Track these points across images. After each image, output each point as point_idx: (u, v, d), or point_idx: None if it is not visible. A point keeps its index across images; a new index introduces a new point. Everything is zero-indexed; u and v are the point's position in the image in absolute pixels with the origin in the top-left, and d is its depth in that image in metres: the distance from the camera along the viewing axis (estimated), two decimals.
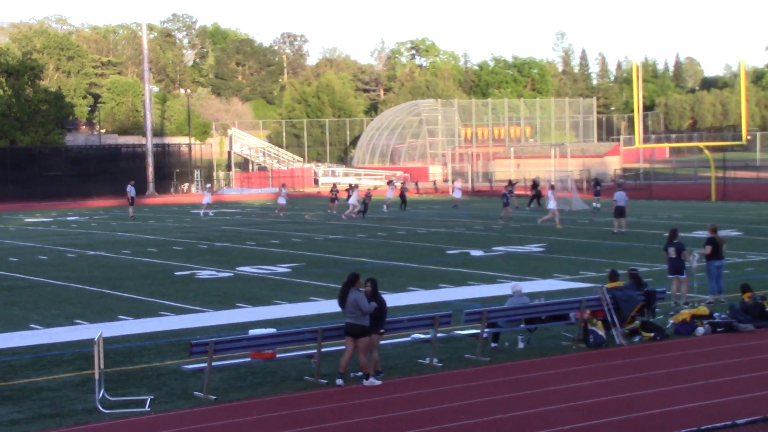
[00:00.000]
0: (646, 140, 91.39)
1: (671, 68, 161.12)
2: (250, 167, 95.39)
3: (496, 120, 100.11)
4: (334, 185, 55.62)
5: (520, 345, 16.72)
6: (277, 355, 14.76)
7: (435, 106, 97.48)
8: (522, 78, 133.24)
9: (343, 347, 15.66)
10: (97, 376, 13.22)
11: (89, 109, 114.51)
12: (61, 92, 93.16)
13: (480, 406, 12.79)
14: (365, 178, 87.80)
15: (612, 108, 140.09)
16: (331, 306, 20.81)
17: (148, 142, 79.38)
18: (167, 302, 21.89)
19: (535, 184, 53.18)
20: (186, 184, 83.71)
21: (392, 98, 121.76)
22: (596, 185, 51.22)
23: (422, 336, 16.38)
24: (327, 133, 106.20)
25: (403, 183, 58.45)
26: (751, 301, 18.05)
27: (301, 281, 24.92)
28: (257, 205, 64.79)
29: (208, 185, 63.52)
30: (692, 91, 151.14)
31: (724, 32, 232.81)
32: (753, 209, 47.84)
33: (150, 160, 78.87)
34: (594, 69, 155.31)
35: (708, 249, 20.35)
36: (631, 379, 14.19)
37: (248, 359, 14.75)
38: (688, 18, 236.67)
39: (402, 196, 53.50)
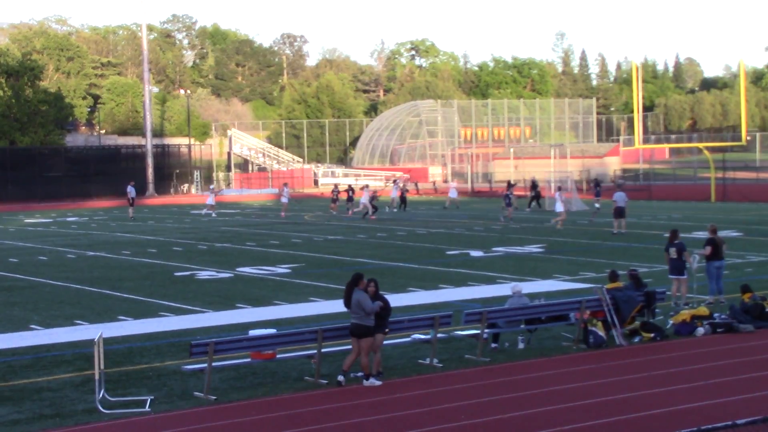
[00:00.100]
0: (645, 141, 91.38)
1: (671, 69, 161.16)
2: (250, 168, 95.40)
3: (496, 121, 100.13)
4: (336, 186, 55.63)
5: (520, 345, 16.73)
6: (277, 356, 14.76)
7: (435, 106, 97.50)
8: (522, 78, 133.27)
9: (343, 348, 15.69)
10: (97, 377, 13.23)
11: (89, 109, 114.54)
12: (61, 93, 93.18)
13: (480, 407, 12.79)
14: (365, 179, 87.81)
15: (612, 108, 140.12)
16: (331, 306, 20.84)
17: (148, 142, 79.38)
18: (167, 303, 21.89)
19: (534, 185, 53.18)
20: (186, 185, 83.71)
21: (392, 99, 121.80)
22: (596, 186, 51.27)
23: (422, 336, 16.38)
24: (327, 134, 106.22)
25: (403, 184, 58.43)
26: (751, 302, 18.05)
27: (301, 282, 24.93)
28: (257, 205, 64.79)
29: (212, 186, 63.61)
30: (692, 91, 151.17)
31: (724, 33, 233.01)
32: (753, 210, 47.85)
33: (150, 161, 78.86)
34: (594, 69, 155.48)
35: (708, 250, 20.36)
36: (631, 379, 14.19)
37: (248, 360, 14.76)
38: (688, 18, 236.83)
39: (402, 196, 53.53)
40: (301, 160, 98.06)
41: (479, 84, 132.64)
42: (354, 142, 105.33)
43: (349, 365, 14.27)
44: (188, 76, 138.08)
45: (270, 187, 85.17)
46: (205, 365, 13.74)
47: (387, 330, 14.70)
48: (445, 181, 73.31)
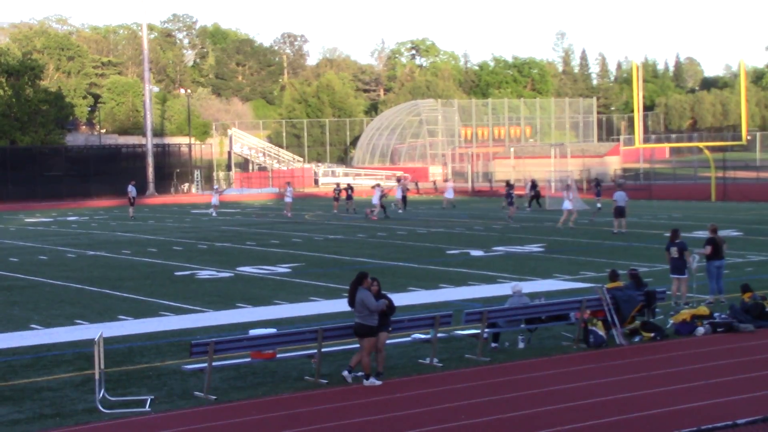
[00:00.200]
0: (646, 140, 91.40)
1: (671, 68, 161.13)
2: (250, 167, 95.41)
3: (496, 120, 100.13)
4: (338, 185, 55.62)
5: (521, 345, 16.73)
6: (278, 355, 14.77)
7: (435, 106, 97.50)
8: (522, 78, 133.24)
9: (343, 347, 15.72)
10: (97, 376, 13.23)
11: (89, 109, 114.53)
12: (62, 92, 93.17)
13: (480, 406, 12.80)
14: (365, 179, 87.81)
15: (612, 108, 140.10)
16: (332, 306, 20.85)
17: (148, 142, 79.38)
18: (167, 302, 21.90)
19: (533, 185, 53.19)
20: (186, 185, 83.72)
21: (392, 98, 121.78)
22: (597, 185, 51.26)
23: (422, 336, 16.38)
24: (327, 133, 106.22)
25: (403, 183, 58.40)
26: (751, 301, 18.05)
27: (301, 281, 24.93)
28: (257, 205, 64.79)
29: (216, 186, 63.63)
30: (692, 91, 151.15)
31: (724, 32, 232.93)
32: (753, 209, 47.85)
33: (150, 161, 78.86)
34: (594, 69, 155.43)
35: (708, 249, 20.36)
36: (631, 379, 14.19)
37: (248, 359, 14.76)
38: (688, 18, 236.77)
39: (403, 196, 53.52)
40: (301, 159, 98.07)
41: (479, 83, 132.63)
42: (354, 142, 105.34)
43: (356, 362, 14.29)
44: (188, 75, 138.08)
45: (270, 187, 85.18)
46: (206, 365, 13.74)
47: (390, 329, 14.72)
48: (446, 180, 73.27)
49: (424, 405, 12.94)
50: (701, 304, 18.92)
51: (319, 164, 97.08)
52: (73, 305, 21.86)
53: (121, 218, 52.18)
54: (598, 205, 47.63)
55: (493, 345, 16.47)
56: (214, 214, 52.21)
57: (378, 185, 51.09)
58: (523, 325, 16.81)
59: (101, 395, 13.33)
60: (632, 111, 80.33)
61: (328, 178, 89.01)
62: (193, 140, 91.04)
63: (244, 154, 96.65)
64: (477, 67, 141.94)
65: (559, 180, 59.72)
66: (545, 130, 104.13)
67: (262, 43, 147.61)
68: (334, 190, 53.53)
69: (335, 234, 38.69)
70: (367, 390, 13.85)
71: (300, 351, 15.20)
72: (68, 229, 45.67)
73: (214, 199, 54.16)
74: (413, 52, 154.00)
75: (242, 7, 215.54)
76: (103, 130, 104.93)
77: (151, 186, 78.34)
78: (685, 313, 17.68)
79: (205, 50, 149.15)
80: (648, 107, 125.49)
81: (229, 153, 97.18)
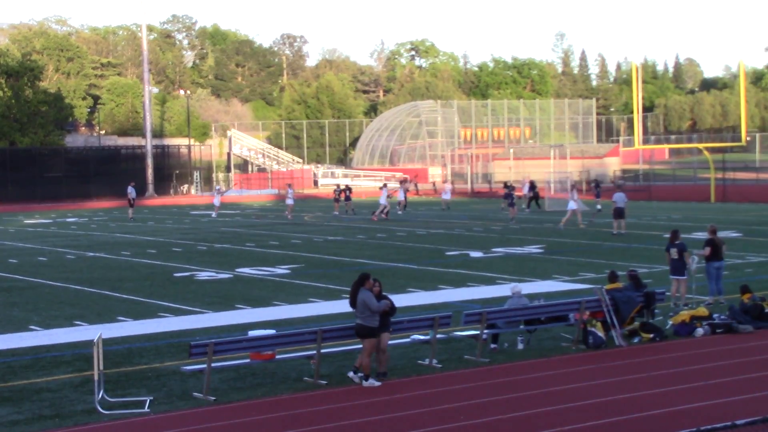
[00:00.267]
0: (645, 141, 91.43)
1: (671, 69, 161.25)
2: (250, 168, 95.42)
3: (496, 121, 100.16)
4: (338, 186, 55.54)
5: (520, 346, 16.73)
6: (277, 356, 14.77)
7: (434, 107, 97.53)
8: (521, 79, 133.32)
9: (343, 348, 15.71)
10: (96, 377, 13.23)
11: (89, 110, 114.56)
12: (61, 93, 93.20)
13: (479, 407, 12.80)
14: (365, 180, 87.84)
15: (611, 109, 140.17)
16: (331, 307, 20.85)
17: (148, 143, 79.38)
18: (167, 303, 21.89)
19: (532, 186, 53.19)
20: (185, 186, 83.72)
21: (392, 99, 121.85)
22: (596, 187, 51.26)
23: (422, 337, 16.38)
24: (326, 135, 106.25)
25: (405, 185, 58.41)
26: (750, 303, 18.05)
27: (300, 282, 24.92)
28: (257, 206, 64.79)
29: (218, 187, 63.67)
30: (692, 92, 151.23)
31: (723, 33, 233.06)
32: (752, 210, 47.86)
33: (149, 162, 78.87)
34: (593, 70, 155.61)
35: (707, 250, 20.36)
36: (631, 380, 14.19)
37: (248, 360, 14.76)
38: (687, 19, 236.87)
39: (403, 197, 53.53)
40: (300, 160, 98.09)
41: (479, 84, 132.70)
42: (354, 143, 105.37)
43: (361, 363, 14.29)
44: (188, 76, 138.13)
45: (270, 188, 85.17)
46: (205, 366, 13.74)
47: (391, 329, 14.73)
48: (444, 182, 73.33)
49: (424, 406, 12.94)
50: (700, 305, 18.92)
51: (319, 165, 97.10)
52: (73, 306, 21.85)
53: (120, 219, 52.17)
54: (598, 206, 47.65)
55: (493, 346, 16.47)
56: (214, 215, 52.20)
57: (385, 185, 51.15)
58: (522, 326, 16.80)
59: (100, 396, 13.32)
60: (632, 112, 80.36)
61: (328, 179, 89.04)
62: (192, 141, 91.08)
63: (243, 155, 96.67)
64: (476, 68, 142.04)
65: (559, 181, 59.77)
66: (545, 131, 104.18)
67: (261, 44, 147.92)
68: (335, 191, 53.51)
69: (335, 235, 38.69)
70: (367, 391, 13.85)
71: (299, 352, 15.20)
72: (68, 230, 45.66)
73: (216, 200, 54.21)
74: (413, 53, 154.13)
75: (242, 8, 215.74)
76: (103, 132, 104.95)
77: (151, 187, 78.33)
78: (685, 314, 17.68)
79: (205, 51, 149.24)
80: (647, 108, 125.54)
81: (229, 154, 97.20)
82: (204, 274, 26.99)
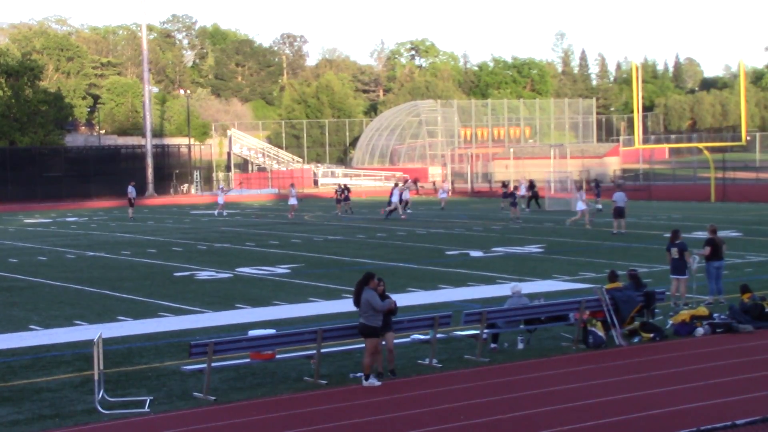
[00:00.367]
0: (645, 141, 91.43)
1: (671, 69, 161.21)
2: (250, 168, 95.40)
3: (496, 121, 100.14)
4: (339, 185, 55.38)
5: (520, 346, 16.73)
6: (277, 356, 14.76)
7: (434, 106, 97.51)
8: (521, 78, 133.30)
9: (343, 348, 15.72)
10: (96, 377, 13.23)
11: (89, 109, 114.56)
12: (61, 93, 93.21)
13: (479, 407, 12.80)
14: (365, 179, 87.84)
15: (611, 109, 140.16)
16: (331, 307, 20.86)
17: (148, 142, 79.38)
18: (167, 303, 21.89)
19: (531, 185, 53.17)
20: (185, 185, 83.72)
21: (392, 99, 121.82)
22: (596, 186, 51.25)
23: (422, 337, 16.38)
24: (326, 134, 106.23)
25: (409, 185, 58.35)
26: (750, 302, 18.05)
27: (300, 282, 24.92)
28: (257, 205, 64.79)
29: (221, 186, 63.75)
30: (692, 91, 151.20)
31: (723, 33, 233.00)
32: (752, 210, 47.86)
33: (149, 161, 78.87)
34: (593, 69, 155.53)
35: (707, 250, 20.36)
36: (631, 379, 14.19)
37: (248, 360, 14.76)
38: (687, 18, 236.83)
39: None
40: (300, 160, 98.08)
41: (479, 84, 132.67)
42: (354, 142, 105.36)
43: (380, 363, 14.32)
44: (188, 76, 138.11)
45: (270, 188, 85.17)
46: (205, 365, 13.74)
47: (393, 328, 14.76)
48: (444, 181, 73.34)
49: (424, 405, 12.94)
50: (700, 304, 18.91)
51: (319, 165, 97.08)
52: (73, 306, 21.85)
53: (120, 219, 52.17)
54: (598, 206, 47.64)
55: (493, 346, 16.47)
56: (219, 213, 52.39)
57: (396, 185, 51.23)
58: (522, 326, 16.80)
59: (100, 396, 13.32)
60: (632, 111, 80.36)
61: (328, 178, 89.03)
62: (192, 141, 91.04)
63: (243, 154, 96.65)
64: (476, 68, 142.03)
65: (559, 180, 59.74)
66: (545, 130, 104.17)
67: (261, 43, 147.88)
68: (336, 191, 53.27)
69: (335, 235, 38.69)
70: (367, 390, 13.85)
71: (299, 352, 15.20)
72: (67, 229, 45.66)
73: (220, 199, 54.43)
74: (413, 52, 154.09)
75: (242, 8, 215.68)
76: (103, 131, 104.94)
77: (151, 187, 78.34)
78: (685, 314, 17.68)
79: (205, 51, 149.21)
80: (647, 108, 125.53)
81: (229, 154, 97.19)
82: (204, 274, 26.99)
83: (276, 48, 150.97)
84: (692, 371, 14.65)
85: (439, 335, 15.83)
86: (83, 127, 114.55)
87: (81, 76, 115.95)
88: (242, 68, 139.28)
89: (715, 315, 17.80)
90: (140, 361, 16.00)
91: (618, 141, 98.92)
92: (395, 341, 14.90)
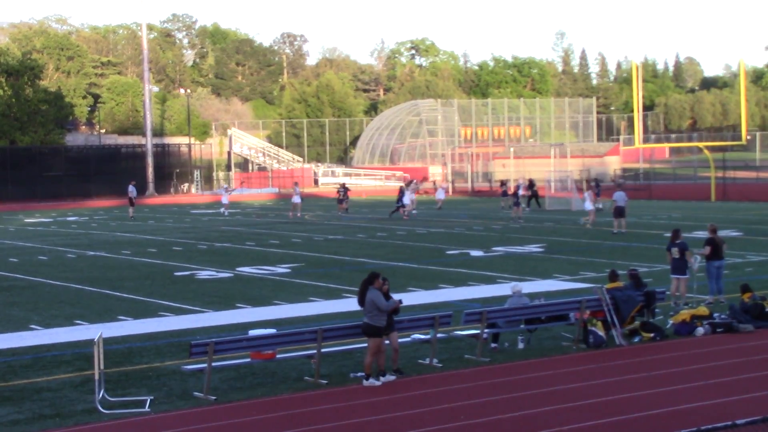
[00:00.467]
0: (645, 140, 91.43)
1: (671, 68, 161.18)
2: (250, 167, 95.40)
3: (496, 120, 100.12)
4: (341, 185, 55.18)
5: (520, 345, 16.72)
6: (277, 356, 14.76)
7: (435, 106, 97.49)
8: (522, 78, 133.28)
9: (343, 348, 15.72)
10: (96, 377, 13.23)
11: (89, 109, 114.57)
12: (61, 92, 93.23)
13: (480, 407, 12.80)
14: (365, 179, 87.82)
15: (612, 108, 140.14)
16: (331, 306, 20.86)
17: (148, 142, 79.38)
18: (167, 303, 21.90)
19: (531, 185, 53.15)
20: (186, 185, 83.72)
21: (392, 98, 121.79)
22: (596, 186, 51.24)
23: (422, 336, 16.38)
24: (327, 133, 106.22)
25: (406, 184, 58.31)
26: (750, 302, 18.05)
27: (300, 281, 24.92)
28: (257, 205, 64.79)
29: (226, 185, 63.82)
30: (692, 91, 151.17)
31: (724, 32, 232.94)
32: (753, 209, 47.85)
33: (150, 161, 78.88)
34: (594, 69, 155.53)
35: (707, 249, 20.36)
36: (631, 379, 14.19)
37: (248, 360, 14.76)
38: (688, 18, 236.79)
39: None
40: (301, 159, 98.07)
41: (479, 83, 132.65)
42: (354, 142, 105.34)
43: (382, 363, 14.33)
44: (188, 75, 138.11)
45: (270, 187, 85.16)
46: (205, 365, 13.74)
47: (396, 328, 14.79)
48: (445, 181, 73.32)
49: (424, 405, 12.94)
50: (701, 304, 18.92)
51: (319, 164, 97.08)
52: (73, 306, 21.85)
53: (120, 218, 52.18)
54: (599, 205, 47.58)
55: (493, 345, 16.47)
56: (225, 213, 52.59)
57: (408, 184, 51.27)
58: (522, 326, 16.80)
59: (101, 396, 13.32)
60: (632, 111, 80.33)
61: (328, 178, 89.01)
62: (192, 140, 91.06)
63: (243, 154, 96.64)
64: (477, 67, 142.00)
65: (559, 180, 59.73)
66: (545, 130, 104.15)
67: (261, 43, 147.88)
68: (338, 191, 53.02)
69: (335, 234, 38.69)
70: (367, 390, 13.86)
71: (300, 351, 15.20)
72: (68, 229, 45.66)
73: (224, 198, 54.59)
74: (413, 51, 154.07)
75: (242, 7, 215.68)
76: (103, 130, 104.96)
77: (151, 186, 78.35)
78: (685, 314, 17.68)
79: (205, 50, 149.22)
80: (648, 107, 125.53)
81: (229, 153, 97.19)
82: (204, 273, 26.99)
83: (276, 47, 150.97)
84: (692, 371, 14.64)
85: (439, 335, 15.83)
86: (83, 127, 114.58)
87: (81, 76, 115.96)
88: (242, 67, 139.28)
89: (716, 315, 17.80)
90: (140, 361, 16.00)
91: (618, 140, 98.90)
92: (386, 342, 14.90)
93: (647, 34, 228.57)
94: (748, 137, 68.74)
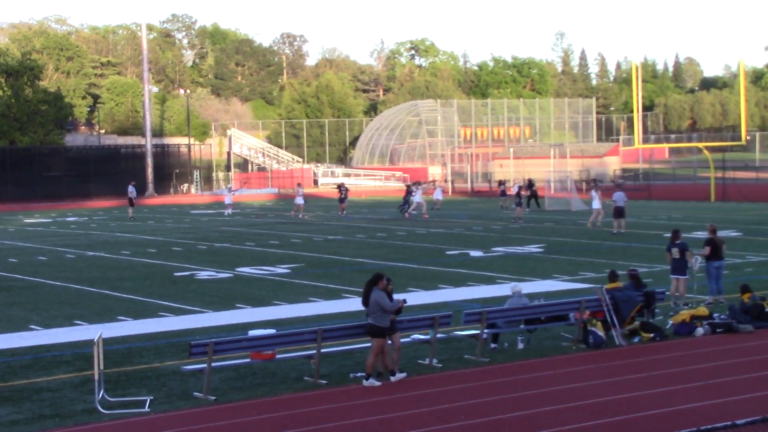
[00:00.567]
0: (645, 140, 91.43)
1: (671, 68, 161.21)
2: (250, 168, 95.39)
3: (496, 120, 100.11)
4: (343, 185, 54.97)
5: (520, 346, 16.73)
6: (277, 356, 14.76)
7: (434, 106, 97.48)
8: (521, 78, 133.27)
9: (343, 348, 15.73)
10: (96, 377, 13.23)
11: (89, 109, 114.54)
12: (61, 92, 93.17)
13: (479, 407, 12.80)
14: (364, 179, 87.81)
15: (611, 108, 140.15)
16: (331, 307, 20.86)
17: (148, 142, 79.36)
18: (167, 303, 21.89)
19: (530, 185, 53.16)
20: (185, 185, 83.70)
21: (392, 98, 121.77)
22: (595, 186, 51.18)
23: (422, 337, 16.38)
24: (326, 134, 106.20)
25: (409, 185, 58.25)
26: (750, 302, 18.05)
27: (300, 282, 24.92)
28: (257, 205, 64.78)
29: (229, 185, 63.85)
30: (692, 91, 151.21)
31: (723, 32, 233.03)
32: (752, 210, 47.86)
33: (149, 161, 78.83)
34: (593, 69, 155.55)
35: (707, 250, 20.36)
36: (631, 379, 14.19)
37: (248, 360, 14.76)
38: (687, 18, 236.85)
39: (405, 197, 53.35)
40: (300, 159, 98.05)
41: (479, 84, 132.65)
42: (354, 142, 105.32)
43: (390, 364, 14.35)
44: (188, 75, 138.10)
45: (270, 187, 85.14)
46: (205, 365, 13.74)
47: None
48: (445, 181, 73.29)
49: (424, 405, 12.94)
50: (700, 304, 18.92)
51: (319, 165, 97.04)
52: (73, 306, 21.85)
53: (120, 219, 52.16)
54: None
55: (493, 345, 16.47)
56: (228, 213, 52.63)
57: (418, 183, 51.31)
58: (522, 326, 16.80)
59: (100, 396, 13.32)
60: (631, 111, 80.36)
61: (328, 178, 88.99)
62: (192, 141, 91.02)
63: (243, 154, 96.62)
64: (476, 68, 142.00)
65: (559, 180, 59.72)
66: (544, 130, 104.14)
67: (261, 43, 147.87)
68: (340, 191, 52.82)
69: (335, 234, 38.69)
70: (367, 390, 13.86)
71: (299, 352, 15.20)
72: (67, 229, 45.65)
73: (228, 198, 54.69)
74: (412, 52, 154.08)
75: (241, 7, 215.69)
76: (103, 131, 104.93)
77: (151, 186, 78.30)
78: (685, 314, 17.68)
79: (205, 50, 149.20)
80: (647, 107, 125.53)
81: (229, 153, 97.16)
82: (204, 274, 26.99)
83: (276, 48, 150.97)
84: (692, 371, 14.65)
85: (439, 335, 15.83)
86: (83, 127, 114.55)
87: (81, 76, 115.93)
88: (242, 68, 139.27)
89: (715, 315, 17.80)
90: (140, 361, 16.00)
91: (618, 141, 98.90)
92: (389, 343, 14.90)
93: (647, 35, 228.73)
94: (748, 137, 68.74)
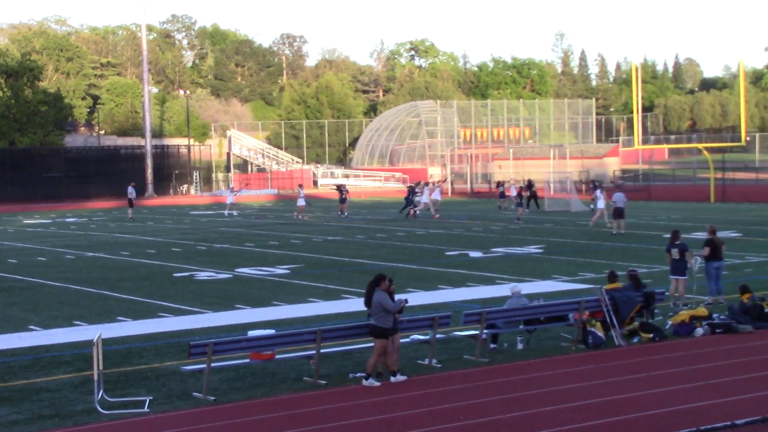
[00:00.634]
0: (645, 141, 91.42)
1: (670, 69, 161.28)
2: (249, 168, 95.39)
3: (495, 121, 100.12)
4: (343, 185, 54.87)
5: (519, 346, 16.73)
6: (276, 356, 14.77)
7: (434, 107, 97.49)
8: (521, 79, 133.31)
9: (343, 348, 15.72)
10: (96, 377, 13.23)
11: (88, 110, 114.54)
12: (60, 93, 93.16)
13: (479, 407, 12.80)
14: (364, 180, 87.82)
15: (611, 109, 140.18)
16: (330, 307, 20.86)
17: (147, 143, 79.35)
18: (166, 303, 21.89)
19: (530, 185, 53.14)
20: (185, 186, 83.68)
21: (391, 99, 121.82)
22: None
23: (421, 337, 16.38)
24: (326, 134, 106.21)
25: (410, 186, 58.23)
26: (750, 303, 18.06)
27: (300, 282, 24.92)
28: (256, 206, 64.78)
29: (231, 185, 63.89)
30: (691, 92, 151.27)
31: (723, 33, 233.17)
32: (752, 210, 47.87)
33: (149, 162, 78.82)
34: (593, 70, 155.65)
35: (706, 250, 20.37)
36: (630, 380, 14.20)
37: (247, 360, 14.76)
38: (687, 19, 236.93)
39: (407, 197, 53.32)
40: (300, 160, 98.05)
41: (479, 84, 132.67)
42: (353, 143, 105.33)
43: (393, 364, 14.34)
44: (188, 76, 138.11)
45: (269, 188, 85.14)
46: (204, 366, 13.74)
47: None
48: (444, 181, 73.24)
49: (423, 406, 12.94)
50: (700, 305, 18.93)
51: (318, 165, 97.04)
52: (72, 306, 21.85)
53: (119, 219, 52.16)
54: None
55: (492, 346, 16.47)
56: (233, 213, 52.74)
57: (427, 184, 51.38)
58: (521, 326, 16.80)
59: (100, 396, 13.32)
60: (631, 112, 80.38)
61: (327, 179, 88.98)
62: (192, 141, 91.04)
63: (243, 155, 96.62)
64: (476, 68, 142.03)
65: (558, 181, 59.72)
66: (544, 131, 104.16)
67: (261, 43, 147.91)
68: (340, 191, 52.71)
69: (334, 235, 38.69)
70: (366, 390, 13.86)
71: (299, 352, 15.20)
72: (67, 230, 45.65)
73: (230, 199, 54.81)
74: (412, 53, 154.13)
75: (241, 8, 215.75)
76: (102, 132, 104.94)
77: (150, 187, 78.29)
78: (684, 314, 17.69)
79: (204, 51, 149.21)
80: (647, 108, 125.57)
81: (228, 154, 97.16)
82: (203, 274, 26.99)
83: (276, 48, 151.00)
84: (692, 371, 14.65)
85: (438, 335, 15.83)
86: (83, 128, 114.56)
87: (80, 77, 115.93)
88: (242, 68, 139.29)
89: (715, 315, 17.81)
90: (140, 362, 16.00)
91: (617, 141, 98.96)
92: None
93: (647, 35, 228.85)
94: (748, 138, 68.79)
